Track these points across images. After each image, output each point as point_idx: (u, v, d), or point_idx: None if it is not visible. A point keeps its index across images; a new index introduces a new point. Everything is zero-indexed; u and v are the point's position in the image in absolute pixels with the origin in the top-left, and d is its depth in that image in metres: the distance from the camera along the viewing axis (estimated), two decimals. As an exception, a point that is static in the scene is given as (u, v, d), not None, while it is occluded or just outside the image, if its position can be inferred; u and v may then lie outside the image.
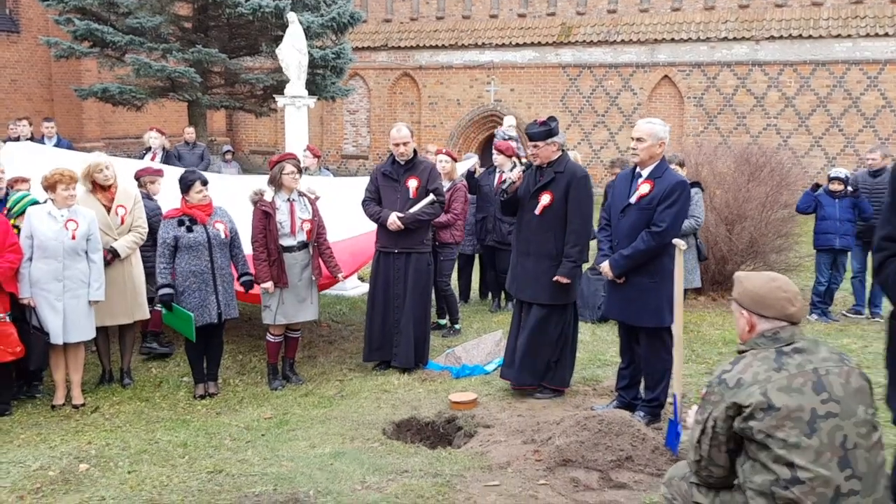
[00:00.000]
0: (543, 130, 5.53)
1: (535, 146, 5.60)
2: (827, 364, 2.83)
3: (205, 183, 6.24)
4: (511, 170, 8.57)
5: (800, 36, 18.53)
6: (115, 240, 6.37)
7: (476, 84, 21.48)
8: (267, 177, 6.65)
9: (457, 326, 7.89)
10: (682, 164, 8.56)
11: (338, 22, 15.89)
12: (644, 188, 5.07)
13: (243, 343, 7.52)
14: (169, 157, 11.33)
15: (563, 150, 5.68)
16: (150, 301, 6.85)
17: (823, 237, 8.97)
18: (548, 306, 5.65)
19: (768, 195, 9.69)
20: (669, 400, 5.33)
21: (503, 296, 8.99)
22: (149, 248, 6.80)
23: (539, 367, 5.70)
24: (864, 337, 8.03)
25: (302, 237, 6.42)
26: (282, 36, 15.58)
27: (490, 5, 21.39)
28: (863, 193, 8.96)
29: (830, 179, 8.91)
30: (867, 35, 18.01)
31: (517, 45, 20.83)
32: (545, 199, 5.56)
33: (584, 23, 20.49)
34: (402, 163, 6.58)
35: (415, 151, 6.61)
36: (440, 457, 4.70)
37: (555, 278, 5.53)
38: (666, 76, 19.87)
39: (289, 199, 6.41)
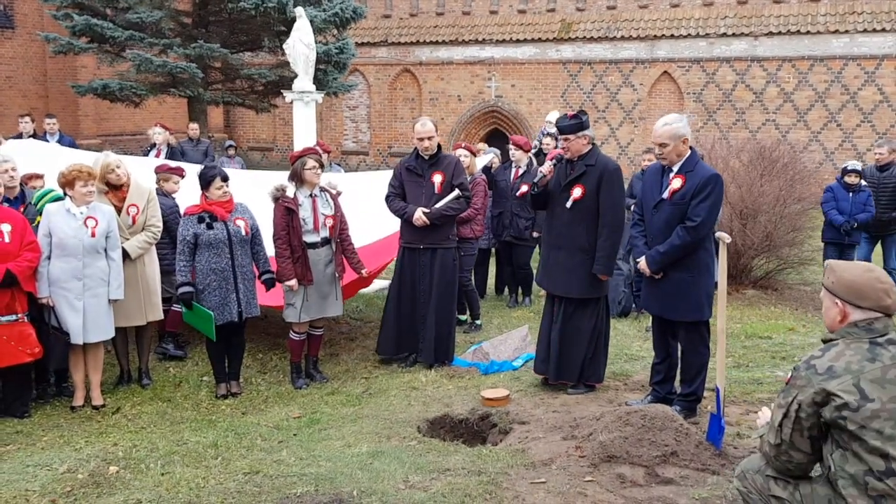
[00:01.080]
0: (574, 124, 5.48)
1: (565, 139, 5.54)
2: None
3: (225, 179, 6.12)
4: (527, 165, 8.56)
5: (798, 32, 18.55)
6: (127, 240, 6.23)
7: (477, 80, 21.40)
8: (286, 173, 6.56)
9: (478, 322, 7.83)
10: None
11: (340, 17, 15.76)
12: (676, 183, 5.01)
13: (262, 341, 7.42)
14: (173, 153, 11.20)
15: (593, 144, 5.62)
16: (169, 300, 6.75)
17: (831, 231, 8.96)
18: (581, 300, 5.59)
19: (782, 189, 9.67)
20: (706, 394, 5.29)
21: (520, 291, 8.94)
22: (165, 246, 6.68)
23: (575, 361, 5.64)
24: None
25: (325, 233, 6.32)
26: (284, 31, 15.52)
27: (490, 1, 21.31)
28: (870, 187, 8.96)
29: (847, 172, 8.89)
30: (864, 30, 18.05)
31: (517, 40, 20.76)
32: (577, 192, 5.51)
33: (584, 19, 20.44)
34: (427, 157, 6.49)
35: (439, 146, 6.53)
36: (481, 454, 4.62)
37: (595, 273, 5.48)
38: (665, 72, 19.85)
39: (311, 195, 6.30)
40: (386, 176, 7.06)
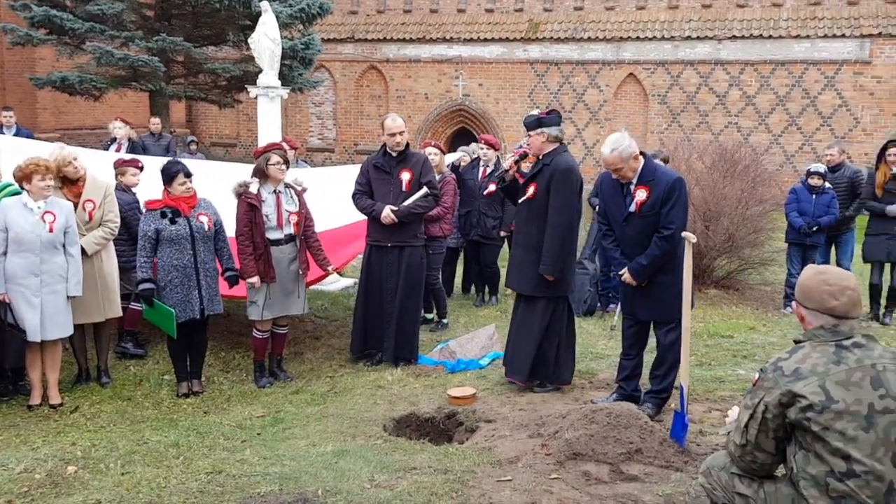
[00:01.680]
0: (533, 120, 5.51)
1: (528, 135, 5.56)
2: (884, 361, 2.84)
3: (188, 175, 6.01)
4: (496, 163, 8.58)
5: (760, 36, 18.84)
6: (83, 235, 6.10)
7: (444, 78, 21.39)
8: (250, 168, 6.47)
9: (444, 321, 7.81)
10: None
11: (307, 12, 15.63)
12: (641, 195, 5.03)
13: (225, 340, 7.32)
14: (135, 148, 11.01)
15: (560, 143, 5.61)
16: (128, 297, 6.62)
17: (794, 232, 9.10)
18: (532, 298, 5.60)
19: (744, 191, 9.80)
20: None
21: (487, 290, 8.94)
22: (123, 243, 6.55)
23: (523, 360, 5.62)
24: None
25: (289, 230, 6.25)
26: (249, 25, 15.34)
27: (458, 0, 21.31)
28: (832, 188, 9.10)
29: (810, 174, 9.02)
30: (825, 36, 18.39)
31: (485, 40, 20.79)
32: (530, 190, 5.55)
33: (552, 19, 20.54)
34: (395, 154, 6.45)
35: (407, 143, 6.49)
36: (447, 452, 4.60)
37: (541, 273, 5.48)
38: (631, 74, 20.04)
39: (275, 191, 6.22)
40: (352, 170, 7.01)
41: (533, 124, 5.50)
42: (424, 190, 6.35)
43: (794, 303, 3.03)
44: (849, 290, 2.91)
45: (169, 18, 15.85)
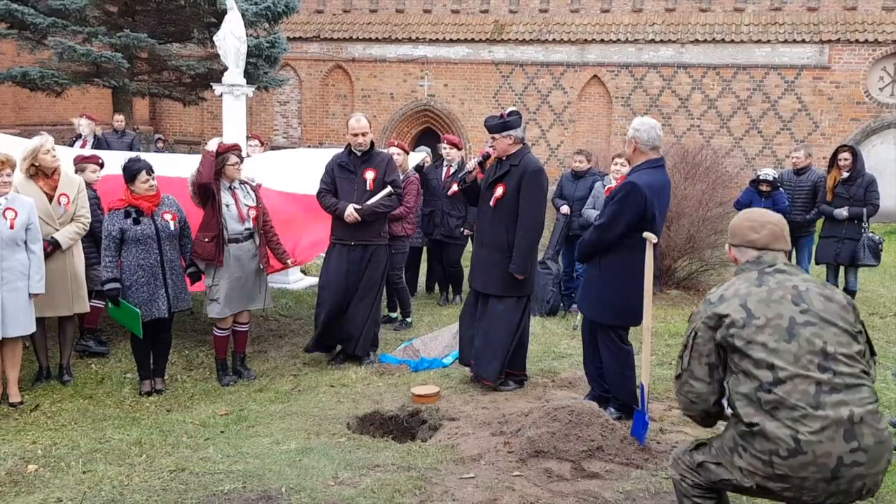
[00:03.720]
0: (499, 123, 5.56)
1: (492, 138, 5.62)
2: (808, 283, 3.02)
3: (150, 172, 5.98)
4: (460, 163, 8.65)
5: (722, 40, 19.11)
6: (57, 230, 6.08)
7: (410, 78, 21.39)
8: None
9: (408, 320, 7.85)
10: (589, 159, 8.88)
11: (273, 10, 15.53)
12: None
13: (189, 338, 7.29)
14: (100, 145, 10.89)
15: (524, 145, 5.69)
16: (91, 294, 6.57)
17: None
18: (501, 297, 5.66)
19: (704, 193, 9.97)
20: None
21: (451, 289, 9.00)
22: (85, 240, 6.50)
23: (499, 356, 5.68)
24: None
25: (249, 224, 6.27)
26: (215, 23, 15.20)
27: (423, 0, 21.34)
28: (787, 190, 9.31)
29: (760, 181, 9.19)
30: (785, 41, 18.72)
31: (451, 40, 20.83)
32: (499, 191, 5.60)
33: (517, 21, 20.65)
34: (359, 154, 6.48)
35: (372, 143, 6.52)
36: (410, 450, 4.64)
37: (511, 272, 5.54)
38: (595, 76, 20.20)
39: (230, 187, 6.25)
40: (323, 153, 7.06)
41: (498, 127, 5.56)
42: (388, 189, 6.39)
43: (727, 245, 3.29)
44: (770, 224, 3.14)
45: (133, 14, 15.63)
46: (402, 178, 7.52)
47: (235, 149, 6.33)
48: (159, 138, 14.00)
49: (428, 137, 19.83)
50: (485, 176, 5.75)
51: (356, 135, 6.41)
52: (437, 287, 9.31)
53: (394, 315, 7.93)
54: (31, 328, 5.86)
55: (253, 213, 6.27)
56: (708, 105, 19.53)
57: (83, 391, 6.16)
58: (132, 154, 7.38)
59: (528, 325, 5.96)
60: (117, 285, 5.84)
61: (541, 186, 5.61)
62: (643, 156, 5.02)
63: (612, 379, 5.18)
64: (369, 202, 6.35)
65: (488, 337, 5.67)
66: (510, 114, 5.63)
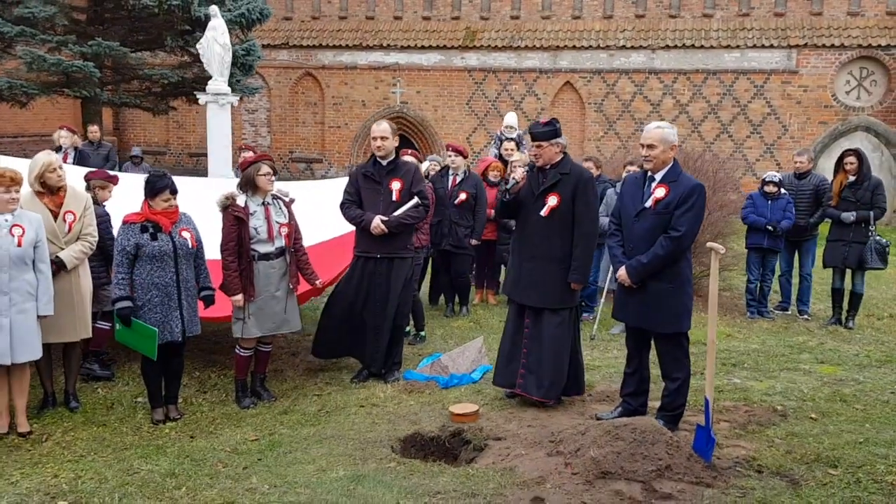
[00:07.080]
0: (549, 130, 5.39)
1: (538, 146, 5.44)
2: None
3: (175, 192, 5.65)
4: (464, 172, 8.47)
5: (692, 46, 19.31)
6: (62, 249, 5.73)
7: (381, 85, 21.16)
8: (229, 181, 6.17)
9: (422, 333, 7.63)
10: (598, 166, 8.82)
11: (247, 18, 15.19)
12: (659, 192, 4.99)
13: (198, 358, 6.95)
14: (83, 157, 10.46)
15: (565, 153, 5.54)
16: (95, 315, 6.21)
17: (754, 236, 9.29)
18: (559, 310, 5.48)
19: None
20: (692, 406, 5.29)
21: (457, 300, 8.80)
22: (93, 259, 6.15)
23: (562, 375, 5.52)
24: (811, 333, 8.34)
25: (280, 242, 5.94)
26: (188, 30, 14.82)
27: (394, 7, 21.14)
28: (788, 194, 9.34)
29: (765, 182, 9.22)
30: (754, 46, 18.98)
31: (422, 47, 20.66)
32: (552, 200, 5.40)
33: (489, 27, 20.58)
34: (385, 164, 6.25)
35: (397, 151, 6.30)
36: (468, 475, 4.43)
37: (571, 283, 5.40)
38: (568, 82, 20.24)
39: (263, 203, 5.94)
40: (336, 183, 6.77)
41: (548, 134, 5.40)
42: (415, 200, 6.17)
43: None
44: None
45: (102, 23, 15.12)
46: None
47: (267, 158, 6.03)
48: (137, 155, 13.01)
49: (401, 145, 19.56)
50: (526, 186, 5.54)
51: (374, 138, 6.19)
52: (441, 298, 9.09)
53: (407, 329, 7.70)
54: (38, 353, 5.49)
55: (285, 230, 5.96)
56: (679, 110, 19.70)
57: (94, 418, 5.81)
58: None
59: (579, 339, 5.83)
60: (129, 304, 5.47)
61: (596, 194, 5.55)
62: (672, 157, 5.04)
63: (683, 390, 5.09)
64: (396, 213, 6.13)
65: (545, 354, 5.47)
66: (553, 120, 5.49)
